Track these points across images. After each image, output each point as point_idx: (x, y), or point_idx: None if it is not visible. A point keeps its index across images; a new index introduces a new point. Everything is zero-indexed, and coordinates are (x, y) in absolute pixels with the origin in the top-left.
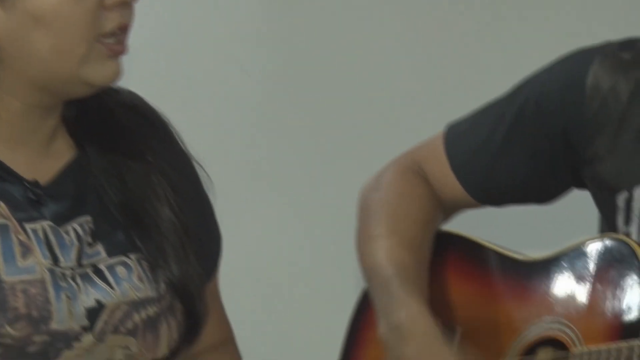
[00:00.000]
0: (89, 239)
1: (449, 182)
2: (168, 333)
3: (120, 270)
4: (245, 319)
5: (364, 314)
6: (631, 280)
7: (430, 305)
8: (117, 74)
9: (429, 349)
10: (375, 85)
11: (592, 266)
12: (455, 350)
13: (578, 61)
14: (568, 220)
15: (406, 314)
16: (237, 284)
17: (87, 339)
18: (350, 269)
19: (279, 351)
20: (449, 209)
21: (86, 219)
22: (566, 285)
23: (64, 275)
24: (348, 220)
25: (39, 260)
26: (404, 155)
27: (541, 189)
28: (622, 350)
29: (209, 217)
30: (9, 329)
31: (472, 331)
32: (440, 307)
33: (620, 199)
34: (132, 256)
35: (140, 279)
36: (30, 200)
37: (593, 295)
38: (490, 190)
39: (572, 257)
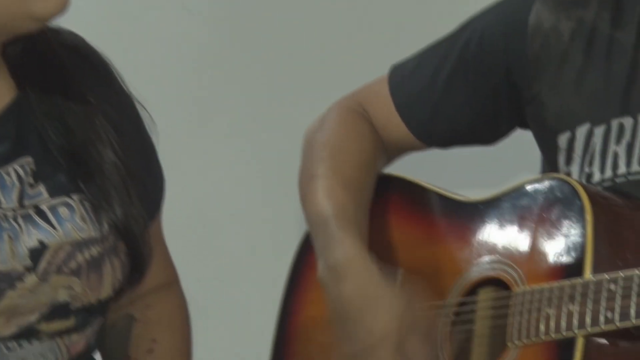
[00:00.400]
0: (31, 180)
1: (394, 124)
2: (112, 273)
3: (63, 210)
4: (188, 261)
5: (306, 256)
6: (572, 220)
7: (372, 247)
8: (63, 4)
9: (367, 287)
10: (324, 22)
11: (533, 206)
12: (392, 286)
13: (520, 0)
14: (510, 161)
15: (343, 253)
16: (180, 226)
17: (31, 279)
18: (293, 211)
19: (221, 292)
20: (392, 152)
21: (27, 160)
22: (508, 226)
23: (5, 216)
24: (292, 162)
25: None
26: (348, 97)
27: (485, 130)
28: (565, 289)
29: (152, 158)
30: None
31: (414, 272)
32: (382, 249)
33: (562, 139)
34: (75, 197)
35: (83, 220)
36: None
37: (535, 235)
38: (435, 131)
39: (513, 197)
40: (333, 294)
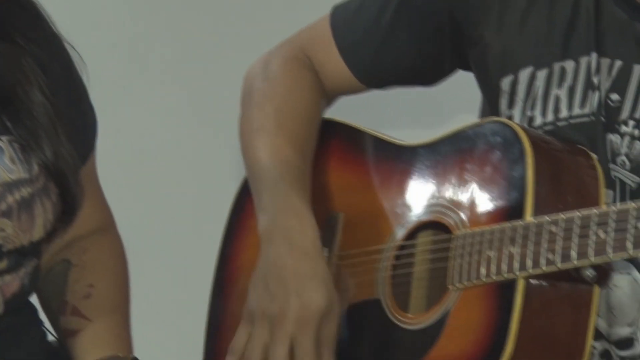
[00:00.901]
0: None
1: (336, 67)
2: (43, 214)
3: None
4: (124, 204)
5: (245, 201)
6: (513, 163)
7: (312, 193)
8: None
9: (302, 259)
10: None
11: (475, 149)
12: (324, 265)
13: None
14: (450, 103)
15: (284, 216)
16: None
17: None
18: (230, 158)
19: (157, 237)
20: (333, 94)
21: None
22: (449, 169)
23: None
24: (228, 106)
25: None
26: (290, 42)
27: (427, 71)
28: (505, 231)
29: (82, 99)
30: None
31: (356, 217)
32: (323, 194)
33: (505, 82)
34: (4, 138)
35: (12, 161)
36: None
37: (476, 178)
38: (378, 73)
39: (455, 140)
40: (267, 253)
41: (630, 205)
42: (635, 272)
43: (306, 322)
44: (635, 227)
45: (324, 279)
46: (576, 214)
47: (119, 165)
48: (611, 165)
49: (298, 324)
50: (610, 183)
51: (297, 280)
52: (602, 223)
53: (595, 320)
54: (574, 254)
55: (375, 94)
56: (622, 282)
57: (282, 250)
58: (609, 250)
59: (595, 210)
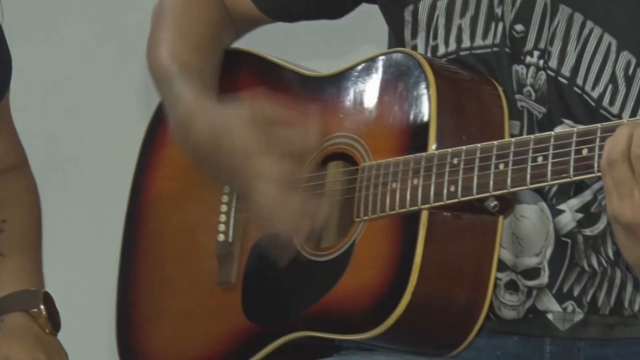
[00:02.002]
0: None
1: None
2: None
3: None
4: (38, 140)
5: (156, 133)
6: (417, 94)
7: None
8: None
9: (215, 118)
10: None
11: (379, 80)
12: (237, 107)
13: None
14: (357, 34)
15: (187, 103)
16: (28, 105)
17: None
18: (137, 88)
19: (67, 169)
20: (240, 26)
21: None
22: (354, 100)
23: None
24: (137, 38)
25: None
26: None
27: (332, 4)
28: (409, 163)
29: None
30: None
31: None
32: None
33: (407, 12)
34: None
35: None
36: None
37: (380, 109)
38: (281, 5)
39: (360, 71)
40: (186, 141)
41: (530, 137)
42: (542, 203)
43: (252, 158)
44: (534, 160)
45: (234, 118)
46: (478, 146)
47: (31, 104)
48: (517, 96)
49: (250, 164)
50: (518, 114)
51: (217, 139)
52: (503, 155)
53: (500, 251)
54: (474, 186)
55: (282, 25)
56: (529, 213)
57: (193, 132)
58: (508, 182)
59: (496, 143)
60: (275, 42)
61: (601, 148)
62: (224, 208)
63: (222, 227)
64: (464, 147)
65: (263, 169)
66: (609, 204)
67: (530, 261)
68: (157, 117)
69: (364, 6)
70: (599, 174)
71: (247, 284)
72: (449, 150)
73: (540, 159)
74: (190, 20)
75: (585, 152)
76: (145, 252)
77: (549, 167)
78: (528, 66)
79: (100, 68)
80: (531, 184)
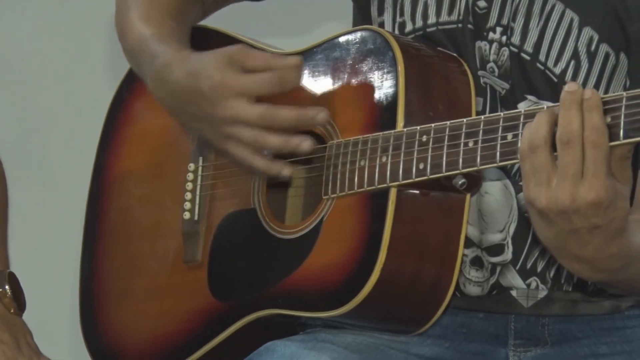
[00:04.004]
0: None
1: None
2: None
3: None
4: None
5: (119, 111)
6: (385, 71)
7: None
8: None
9: (192, 66)
10: None
11: (347, 58)
12: (212, 52)
13: None
14: (323, 11)
15: (164, 57)
16: None
17: None
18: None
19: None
20: (208, 4)
21: None
22: (321, 78)
23: None
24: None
25: None
26: None
27: None
28: (378, 140)
29: None
30: None
31: None
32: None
33: None
34: None
35: None
36: None
37: (348, 87)
38: None
39: (326, 49)
40: (166, 91)
41: (499, 115)
42: (505, 179)
43: (227, 95)
44: (504, 138)
45: (211, 60)
46: (447, 123)
47: None
48: (480, 72)
49: (225, 103)
50: (481, 90)
51: (195, 80)
52: (472, 133)
53: (467, 228)
54: (443, 163)
55: (247, 2)
56: (493, 189)
57: (172, 82)
58: (478, 160)
59: (465, 120)
60: (240, 19)
61: None
62: (189, 186)
63: (187, 205)
64: (432, 125)
65: (240, 110)
66: (526, 189)
67: (495, 237)
68: (119, 95)
69: None
70: None
71: (213, 261)
72: (418, 127)
73: (510, 137)
74: None
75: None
76: (109, 230)
77: (519, 145)
78: (491, 42)
79: (61, 44)
80: (500, 161)
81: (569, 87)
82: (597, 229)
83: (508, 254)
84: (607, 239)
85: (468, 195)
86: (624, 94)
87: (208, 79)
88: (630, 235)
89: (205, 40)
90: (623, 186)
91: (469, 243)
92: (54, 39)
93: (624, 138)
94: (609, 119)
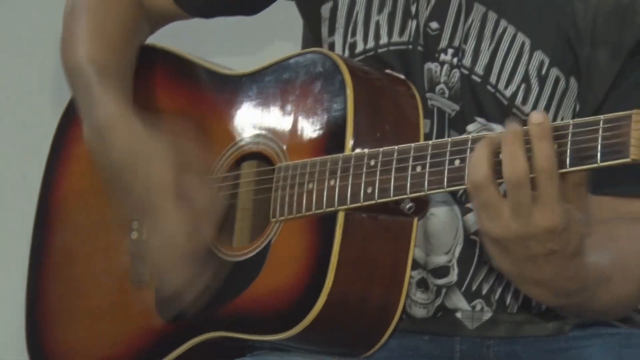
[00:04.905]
0: None
1: None
2: None
3: None
4: None
5: (68, 128)
6: (334, 94)
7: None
8: None
9: (133, 141)
10: None
11: (296, 80)
12: (158, 135)
13: None
14: (273, 30)
15: (105, 112)
16: None
17: None
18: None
19: None
20: (155, 21)
21: None
22: (271, 100)
23: None
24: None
25: None
26: None
27: (248, 0)
28: (326, 163)
29: None
30: None
31: None
32: (154, 120)
33: (325, 9)
34: None
35: None
36: None
37: (297, 109)
38: (198, 1)
39: (276, 71)
40: (101, 155)
41: (447, 140)
42: (451, 201)
43: (162, 193)
44: (451, 163)
45: (154, 148)
46: (395, 148)
47: None
48: (428, 95)
49: (159, 201)
50: (428, 112)
51: (132, 165)
52: (420, 157)
53: (415, 251)
54: (391, 188)
55: (195, 20)
56: (438, 211)
57: (107, 148)
58: (426, 185)
59: (413, 145)
60: (189, 37)
61: None
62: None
63: (135, 225)
64: (381, 149)
65: (167, 218)
66: (479, 221)
67: (440, 259)
68: (68, 113)
69: (279, 2)
70: None
71: (160, 283)
72: (366, 151)
73: (457, 162)
74: (106, 17)
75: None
76: (57, 249)
77: (466, 171)
78: (442, 64)
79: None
80: (448, 186)
81: (510, 125)
82: (554, 254)
83: (453, 276)
84: (563, 262)
85: (415, 219)
86: (571, 121)
87: (148, 168)
88: (586, 256)
89: (152, 60)
90: (576, 211)
91: (414, 265)
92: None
93: (570, 166)
94: (556, 146)
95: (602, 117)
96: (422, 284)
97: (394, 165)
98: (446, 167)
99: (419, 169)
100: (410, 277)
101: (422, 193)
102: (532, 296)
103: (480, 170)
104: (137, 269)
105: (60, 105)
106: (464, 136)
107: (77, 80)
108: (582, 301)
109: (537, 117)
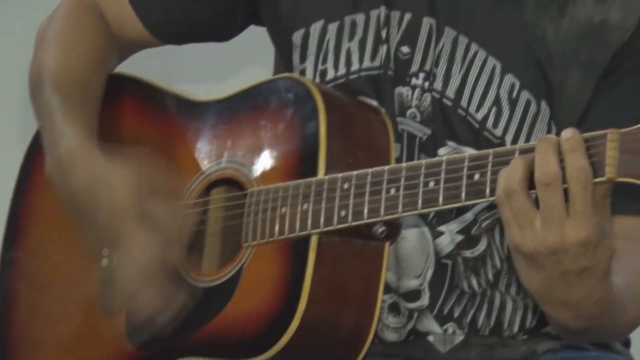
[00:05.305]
0: None
1: (128, 19)
2: None
3: None
4: None
5: (35, 155)
6: (306, 119)
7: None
8: None
9: (93, 171)
10: None
11: (268, 106)
12: (119, 162)
13: None
14: (244, 57)
15: (66, 146)
16: None
17: None
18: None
19: None
20: (125, 49)
21: None
22: (243, 126)
23: None
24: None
25: None
26: None
27: (221, 25)
28: (299, 188)
29: None
30: None
31: None
32: (117, 150)
33: (297, 36)
34: None
35: None
36: None
37: (270, 135)
38: (171, 27)
39: (248, 97)
40: (62, 187)
41: (421, 162)
42: (422, 225)
43: (126, 218)
44: (426, 185)
45: (116, 174)
46: (368, 171)
47: None
48: (399, 119)
49: (123, 226)
50: (398, 136)
51: (94, 193)
52: (394, 180)
53: (387, 274)
54: (365, 210)
55: (166, 47)
56: (410, 235)
57: (68, 180)
58: (400, 207)
59: (386, 168)
60: (158, 64)
61: (493, 173)
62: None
63: (106, 252)
64: (354, 172)
65: (134, 243)
66: (510, 235)
67: (411, 283)
68: (37, 139)
69: (250, 28)
70: (491, 198)
71: (131, 309)
72: (339, 175)
73: (432, 184)
74: (76, 47)
75: (477, 177)
76: (25, 277)
77: (441, 192)
78: (413, 88)
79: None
80: (423, 208)
81: (546, 136)
82: (586, 271)
83: (425, 300)
84: (595, 282)
85: (387, 244)
86: (608, 132)
87: (110, 197)
88: (612, 276)
89: (121, 88)
90: (607, 225)
91: (386, 289)
92: None
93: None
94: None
95: (582, 136)
96: (394, 308)
97: (367, 189)
98: (420, 189)
99: (393, 191)
100: (382, 301)
101: (397, 215)
102: (556, 319)
103: (515, 176)
104: (106, 296)
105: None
106: (437, 158)
107: (42, 110)
108: (602, 325)
109: (567, 133)
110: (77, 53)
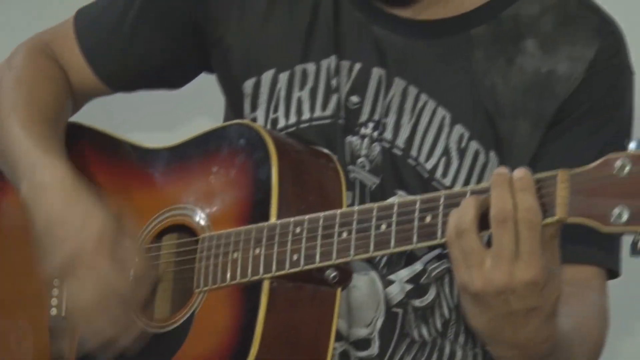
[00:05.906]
0: None
1: (80, 67)
2: None
3: None
4: None
5: None
6: (258, 165)
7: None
8: None
9: (75, 200)
10: None
11: (220, 152)
12: (100, 200)
13: None
14: (193, 106)
15: (50, 173)
16: None
17: None
18: None
19: None
20: (79, 97)
21: None
22: (194, 172)
23: None
24: None
25: None
26: (34, 38)
27: (172, 73)
28: (251, 232)
29: None
30: None
31: None
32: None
33: (248, 85)
34: None
35: None
36: None
37: (222, 181)
38: (123, 76)
39: (200, 143)
40: (40, 210)
41: (373, 205)
42: (373, 273)
43: (97, 250)
44: (378, 228)
45: (96, 208)
46: (320, 215)
47: None
48: (350, 167)
49: (92, 258)
50: (350, 184)
51: (71, 218)
52: (346, 223)
53: (338, 322)
54: (317, 254)
55: (115, 96)
56: (360, 283)
57: (48, 202)
58: (352, 250)
59: (338, 211)
60: (109, 113)
61: (445, 215)
62: (56, 281)
63: (54, 301)
64: (306, 217)
65: (105, 272)
66: (458, 274)
67: (362, 332)
68: None
69: (201, 76)
70: (442, 240)
71: (81, 359)
72: (291, 219)
73: (383, 227)
74: (38, 94)
75: (428, 219)
76: None
77: (393, 234)
78: (363, 137)
79: None
80: (374, 251)
81: (499, 170)
82: (533, 311)
83: (374, 349)
84: (541, 322)
85: (339, 290)
86: (559, 172)
87: (83, 239)
88: (558, 318)
89: (77, 136)
90: (554, 266)
91: (338, 336)
92: None
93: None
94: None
95: (534, 176)
96: (345, 356)
97: (320, 232)
98: (372, 232)
99: (345, 234)
100: (334, 348)
101: (349, 258)
102: (502, 359)
103: (467, 216)
104: (56, 346)
105: None
106: (389, 201)
107: (15, 149)
108: None
109: (519, 172)
110: (42, 97)
